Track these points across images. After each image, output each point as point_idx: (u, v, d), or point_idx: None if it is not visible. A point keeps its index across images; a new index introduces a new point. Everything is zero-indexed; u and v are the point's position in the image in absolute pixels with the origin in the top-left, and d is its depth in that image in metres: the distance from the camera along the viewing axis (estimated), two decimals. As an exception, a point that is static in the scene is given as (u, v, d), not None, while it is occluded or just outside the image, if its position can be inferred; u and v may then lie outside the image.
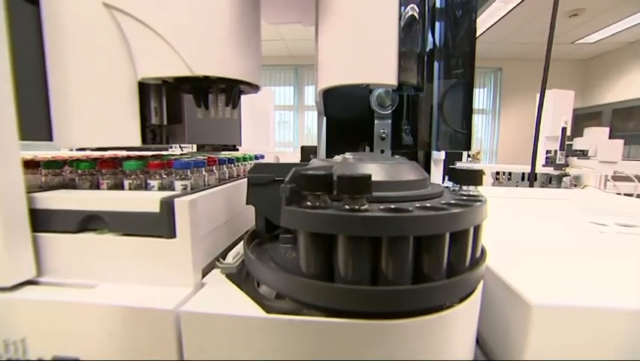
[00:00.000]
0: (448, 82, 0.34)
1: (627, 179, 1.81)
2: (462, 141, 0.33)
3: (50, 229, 0.28)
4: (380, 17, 0.28)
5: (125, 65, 0.30)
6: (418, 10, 0.32)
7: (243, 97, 0.37)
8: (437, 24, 0.38)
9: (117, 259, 0.27)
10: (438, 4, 0.38)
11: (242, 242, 0.37)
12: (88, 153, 0.49)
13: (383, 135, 0.43)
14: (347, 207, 0.21)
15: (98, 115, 0.30)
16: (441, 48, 0.37)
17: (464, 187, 0.30)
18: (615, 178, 1.83)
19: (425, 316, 0.22)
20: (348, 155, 0.30)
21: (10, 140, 0.26)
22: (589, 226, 0.50)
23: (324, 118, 0.44)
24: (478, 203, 0.24)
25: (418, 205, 0.23)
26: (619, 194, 1.60)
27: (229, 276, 0.30)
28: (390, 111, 0.42)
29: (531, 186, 1.17)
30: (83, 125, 0.30)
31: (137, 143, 0.32)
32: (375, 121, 0.43)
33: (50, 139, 0.31)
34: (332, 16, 0.30)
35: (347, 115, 0.45)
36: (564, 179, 1.74)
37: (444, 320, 0.22)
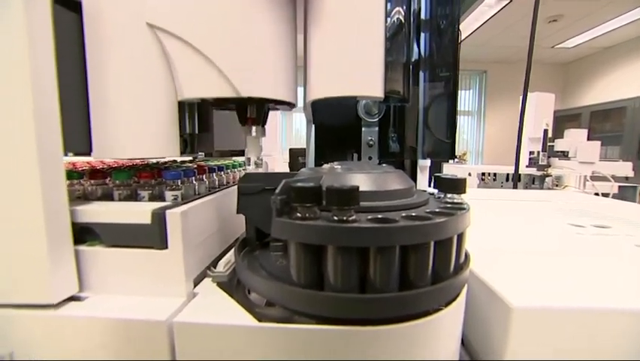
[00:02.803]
0: (433, 92, 0.36)
1: (604, 179, 1.89)
2: (446, 149, 0.34)
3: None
4: (367, 31, 0.29)
5: (167, 84, 0.30)
6: (403, 14, 0.33)
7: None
8: (422, 35, 0.39)
9: (108, 271, 0.27)
10: (422, 16, 0.39)
11: (233, 250, 0.37)
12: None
13: (370, 143, 0.44)
14: (335, 218, 0.22)
15: (137, 129, 0.30)
16: (425, 58, 0.38)
17: (449, 195, 0.31)
18: (594, 178, 1.90)
19: (412, 321, 0.23)
20: (336, 165, 0.30)
21: (56, 154, 0.25)
22: (568, 227, 0.52)
23: (313, 126, 0.45)
24: (462, 211, 0.26)
25: (404, 215, 0.24)
26: (597, 194, 1.66)
27: (220, 284, 0.30)
28: (377, 119, 0.43)
29: (515, 187, 1.21)
30: (122, 138, 0.30)
31: (177, 154, 0.33)
32: (363, 129, 0.44)
33: (89, 152, 0.30)
34: (320, 28, 0.31)
35: (335, 123, 0.46)
36: (546, 179, 1.79)
37: (430, 324, 0.23)
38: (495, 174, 1.97)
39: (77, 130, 0.29)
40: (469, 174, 2.06)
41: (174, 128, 0.31)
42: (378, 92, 0.28)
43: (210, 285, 0.29)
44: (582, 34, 3.56)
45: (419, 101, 0.40)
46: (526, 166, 2.08)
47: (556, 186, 1.80)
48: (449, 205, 0.28)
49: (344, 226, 0.21)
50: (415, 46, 0.38)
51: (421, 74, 0.39)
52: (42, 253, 0.24)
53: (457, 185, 0.30)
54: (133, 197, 0.32)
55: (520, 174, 1.80)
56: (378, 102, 0.41)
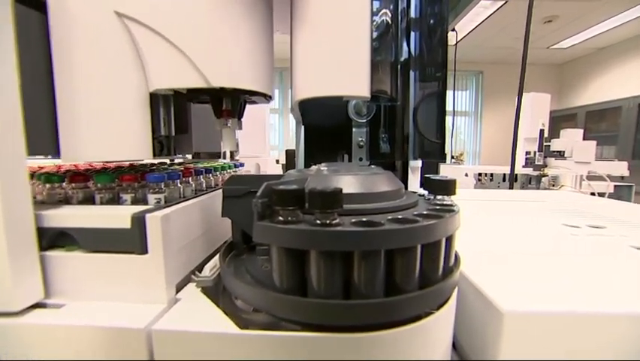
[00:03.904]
0: (422, 92, 0.35)
1: (600, 178, 1.89)
2: (437, 150, 0.34)
3: (15, 247, 0.27)
4: (352, 31, 0.28)
5: (137, 75, 0.29)
6: (390, 16, 0.32)
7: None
8: (411, 34, 0.39)
9: (87, 277, 0.26)
10: (412, 14, 0.39)
11: (218, 254, 0.37)
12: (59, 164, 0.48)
13: (361, 143, 0.44)
14: (318, 221, 0.21)
15: (108, 128, 0.30)
16: (415, 58, 0.37)
17: (439, 196, 0.30)
18: (589, 178, 1.90)
19: (399, 327, 0.22)
20: (322, 166, 0.30)
21: (18, 156, 0.24)
22: (562, 228, 0.52)
23: (302, 127, 0.44)
24: (451, 213, 0.25)
25: (390, 218, 0.23)
26: (593, 193, 1.66)
27: (205, 290, 0.30)
28: (367, 120, 0.42)
29: (511, 187, 1.21)
30: (92, 139, 0.29)
31: (149, 155, 0.32)
32: (353, 129, 0.44)
33: (57, 154, 0.29)
34: (305, 28, 0.30)
35: (325, 123, 0.45)
36: (543, 179, 1.79)
37: (418, 329, 0.23)
38: (492, 175, 1.97)
39: (43, 131, 0.28)
40: (466, 175, 2.06)
41: (146, 126, 0.30)
42: (364, 91, 0.28)
43: (194, 290, 0.29)
44: (577, 35, 3.58)
45: (409, 102, 0.39)
46: (523, 166, 2.08)
47: (553, 186, 1.81)
48: (438, 207, 0.27)
49: (326, 229, 0.21)
50: (405, 45, 0.38)
51: (412, 73, 0.38)
52: (2, 259, 0.23)
53: (447, 186, 0.30)
54: (116, 200, 0.31)
55: (516, 174, 1.80)
56: (367, 102, 0.40)
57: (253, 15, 0.30)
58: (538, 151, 1.96)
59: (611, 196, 1.76)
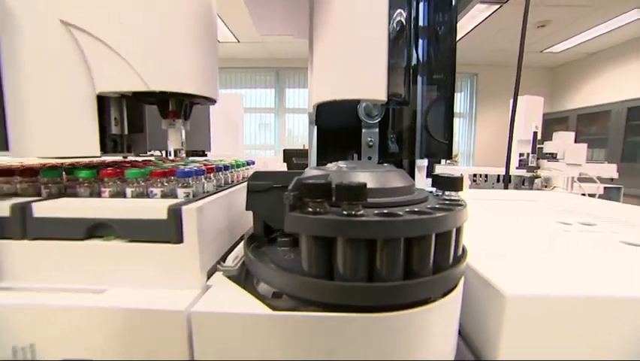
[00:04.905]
0: (431, 95, 0.38)
1: (590, 180, 1.95)
2: (443, 150, 0.37)
3: (55, 237, 0.29)
4: (371, 36, 0.31)
5: (83, 78, 0.31)
6: (404, 18, 0.35)
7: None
8: (420, 39, 0.41)
9: (125, 265, 0.28)
10: (421, 21, 0.41)
11: (240, 245, 0.39)
12: (51, 161, 0.49)
13: (370, 143, 0.46)
14: (345, 212, 0.24)
15: (55, 127, 0.32)
16: (424, 62, 0.40)
17: (446, 192, 0.33)
18: (580, 179, 1.95)
19: (416, 308, 0.24)
20: (341, 164, 0.32)
21: None
22: (556, 225, 0.55)
23: (315, 127, 0.46)
24: (460, 207, 0.28)
25: (407, 210, 0.26)
26: (584, 194, 1.72)
27: (230, 278, 0.32)
28: (377, 121, 0.45)
29: (506, 188, 1.24)
30: (41, 137, 0.32)
31: (96, 153, 0.34)
32: (363, 130, 0.46)
33: (6, 149, 0.31)
34: (326, 33, 0.33)
35: (336, 124, 0.47)
36: (536, 181, 1.84)
37: (432, 311, 0.25)
38: (486, 176, 2.01)
39: None
40: (461, 175, 2.10)
41: (93, 125, 0.32)
42: (382, 95, 0.30)
43: (222, 278, 0.31)
44: (569, 40, 3.66)
45: (417, 103, 0.42)
46: (516, 168, 2.13)
47: (545, 187, 1.86)
48: (447, 202, 0.30)
49: (353, 219, 0.23)
50: (413, 50, 0.40)
51: (419, 77, 0.41)
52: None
53: (455, 183, 0.33)
54: (145, 194, 0.33)
55: (510, 176, 1.85)
56: (378, 105, 0.43)
57: (194, 21, 0.33)
58: (532, 153, 2.01)
59: (600, 197, 1.81)
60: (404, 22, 0.35)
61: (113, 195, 0.33)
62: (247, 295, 0.27)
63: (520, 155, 2.19)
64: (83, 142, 0.33)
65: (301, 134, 4.90)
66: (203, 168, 0.35)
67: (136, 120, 0.43)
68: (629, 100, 3.37)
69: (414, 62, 0.39)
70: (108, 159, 0.52)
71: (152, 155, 0.75)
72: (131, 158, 0.59)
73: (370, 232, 0.23)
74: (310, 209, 0.25)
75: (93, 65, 0.31)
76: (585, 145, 2.07)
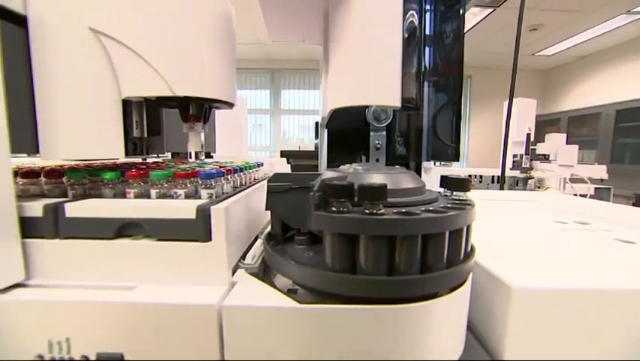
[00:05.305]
0: (440, 100, 0.40)
1: (582, 181, 2.00)
2: (452, 152, 0.39)
3: (86, 236, 0.30)
4: (386, 43, 0.32)
5: (110, 84, 0.33)
6: (416, 23, 0.36)
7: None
8: (429, 43, 0.43)
9: (154, 263, 0.30)
10: (428, 26, 0.44)
11: (256, 244, 0.40)
12: (73, 163, 0.51)
13: (378, 146, 0.48)
14: (367, 211, 0.26)
15: (83, 130, 0.33)
16: (431, 68, 0.42)
17: (454, 193, 0.35)
18: (572, 180, 2.00)
19: (432, 299, 0.26)
20: (357, 166, 0.34)
21: (2, 155, 0.27)
22: (553, 224, 0.57)
23: (326, 130, 0.48)
24: (470, 207, 0.30)
25: (423, 209, 0.28)
26: (575, 195, 1.76)
27: (252, 275, 0.33)
28: (385, 124, 0.47)
29: (501, 188, 1.28)
30: (69, 140, 0.33)
31: (121, 155, 0.35)
32: (371, 133, 0.48)
33: (37, 152, 0.33)
34: (342, 41, 0.34)
35: (345, 128, 0.49)
36: (529, 181, 1.88)
37: (451, 300, 0.27)
38: (481, 177, 2.05)
39: (24, 132, 0.32)
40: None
41: (119, 129, 0.34)
42: (396, 101, 0.32)
43: (245, 275, 0.32)
44: (560, 43, 3.74)
45: (423, 107, 0.44)
46: (510, 169, 2.18)
47: (539, 187, 1.90)
48: (457, 202, 0.32)
49: (375, 217, 0.25)
50: (423, 55, 0.42)
51: (425, 81, 0.43)
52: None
53: (463, 184, 0.35)
54: (168, 195, 0.35)
55: (504, 176, 1.88)
56: (386, 109, 0.45)
57: (216, 29, 0.35)
58: (525, 154, 2.05)
59: (592, 197, 1.86)
60: (415, 28, 0.37)
61: (137, 196, 0.34)
62: (273, 290, 0.29)
63: (514, 156, 2.24)
64: (108, 145, 0.34)
65: (296, 135, 4.92)
66: (222, 170, 0.37)
67: (154, 124, 0.44)
68: (618, 102, 3.46)
69: (423, 67, 0.41)
70: (119, 161, 0.54)
71: (158, 157, 0.76)
72: (151, 160, 0.61)
73: (391, 229, 0.25)
74: (334, 208, 0.26)
75: (120, 71, 0.33)
76: (576, 147, 2.13)
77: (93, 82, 0.33)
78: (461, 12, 0.37)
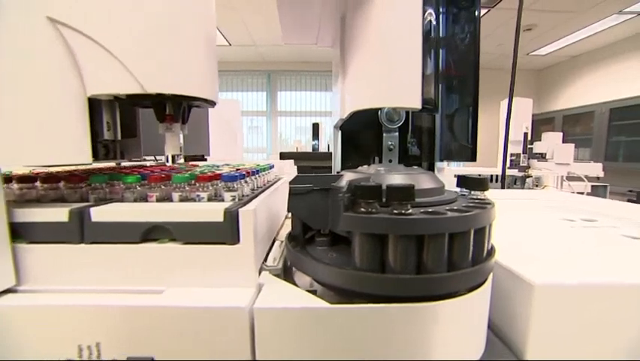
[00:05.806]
0: (450, 99, 0.40)
1: (578, 179, 2.02)
2: (468, 152, 0.39)
3: (111, 240, 0.30)
4: (407, 45, 0.32)
5: (73, 80, 0.29)
6: (434, 25, 0.37)
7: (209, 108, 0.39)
8: (444, 47, 0.44)
9: (181, 266, 0.30)
10: (443, 28, 0.44)
11: (275, 246, 0.41)
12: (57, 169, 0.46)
13: (391, 147, 0.48)
14: (395, 211, 0.26)
15: (43, 132, 0.29)
16: (445, 69, 0.43)
17: (472, 192, 0.36)
18: (569, 178, 2.03)
19: (458, 297, 0.27)
20: (378, 167, 0.34)
21: None
22: (561, 222, 0.58)
23: (339, 132, 0.49)
24: (490, 206, 0.30)
25: (447, 208, 0.28)
26: (573, 193, 1.78)
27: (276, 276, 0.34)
28: (398, 126, 0.47)
29: (503, 187, 1.29)
30: (27, 144, 0.29)
31: (88, 160, 0.32)
32: (384, 134, 0.49)
33: None
34: (362, 42, 0.35)
35: (358, 128, 0.50)
36: (527, 180, 1.91)
37: (476, 297, 0.28)
38: (480, 176, 2.07)
39: None
40: (455, 176, 2.15)
41: (84, 131, 0.30)
42: (417, 103, 0.33)
43: (270, 276, 0.33)
44: (554, 43, 3.79)
45: (438, 108, 0.45)
46: (508, 168, 2.20)
47: (537, 186, 1.92)
48: (477, 201, 0.33)
49: (405, 217, 0.25)
50: (439, 56, 0.43)
51: (439, 83, 0.44)
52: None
53: (481, 183, 0.35)
54: (190, 198, 0.35)
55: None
56: (400, 110, 0.45)
57: (193, 19, 0.32)
58: (523, 153, 2.08)
59: (589, 195, 1.89)
60: (431, 29, 0.37)
61: (159, 200, 0.34)
62: (301, 291, 0.29)
63: (512, 155, 2.26)
64: (73, 149, 0.31)
65: (293, 137, 4.92)
66: (243, 172, 0.37)
67: (129, 124, 0.41)
68: (612, 101, 3.52)
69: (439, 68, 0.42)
70: (80, 167, 0.48)
71: (144, 160, 0.74)
72: (125, 164, 0.55)
73: (420, 228, 0.25)
74: (363, 209, 0.27)
75: (84, 66, 0.29)
76: (572, 145, 2.16)
77: (52, 79, 0.29)
78: (476, 13, 0.38)
